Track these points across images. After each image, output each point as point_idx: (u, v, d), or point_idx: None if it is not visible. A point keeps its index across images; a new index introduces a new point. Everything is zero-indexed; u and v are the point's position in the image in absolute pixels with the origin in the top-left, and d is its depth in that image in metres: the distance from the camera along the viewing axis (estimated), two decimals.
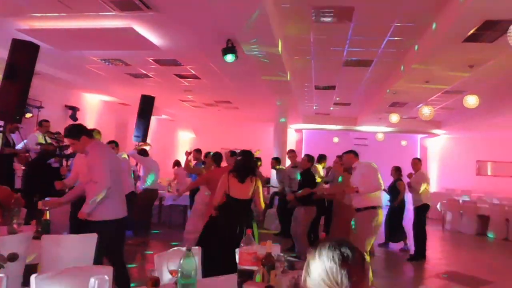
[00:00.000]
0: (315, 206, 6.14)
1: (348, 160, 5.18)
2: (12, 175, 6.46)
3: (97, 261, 3.13)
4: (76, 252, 2.88)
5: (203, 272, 2.70)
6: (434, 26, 5.58)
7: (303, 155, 6.99)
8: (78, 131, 3.56)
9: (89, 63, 8.34)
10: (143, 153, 7.39)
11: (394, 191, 7.71)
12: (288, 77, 7.92)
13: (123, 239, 3.79)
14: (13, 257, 1.97)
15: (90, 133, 3.65)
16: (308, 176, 6.23)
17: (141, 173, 7.29)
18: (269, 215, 9.12)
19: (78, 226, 4.05)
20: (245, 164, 4.02)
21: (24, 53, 5.40)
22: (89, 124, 11.00)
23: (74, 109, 10.10)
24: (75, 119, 9.87)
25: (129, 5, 5.14)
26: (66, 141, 3.66)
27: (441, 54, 6.22)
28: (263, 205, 4.09)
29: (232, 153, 5.35)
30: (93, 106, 11.37)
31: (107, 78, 9.68)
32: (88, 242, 2.97)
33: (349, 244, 1.23)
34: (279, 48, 6.16)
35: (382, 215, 4.83)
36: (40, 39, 6.25)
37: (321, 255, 1.20)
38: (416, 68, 6.92)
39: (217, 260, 3.38)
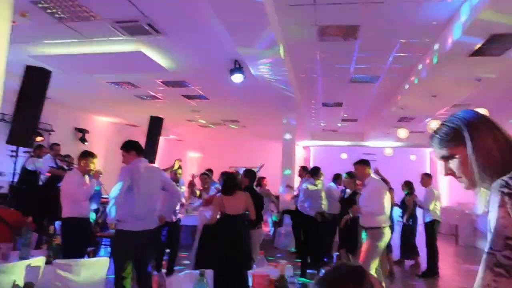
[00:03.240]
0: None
1: (360, 171, 4.87)
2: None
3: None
4: (87, 276, 2.87)
5: None
6: (436, 46, 5.61)
7: None
8: (130, 145, 4.24)
9: (99, 87, 8.48)
10: None
11: (404, 206, 7.60)
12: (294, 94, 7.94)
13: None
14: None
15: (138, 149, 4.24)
16: None
17: None
18: (278, 233, 9.03)
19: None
20: (231, 181, 4.67)
21: (37, 79, 5.51)
22: (98, 145, 11.14)
23: (83, 132, 10.22)
24: (84, 141, 9.98)
25: (138, 30, 5.26)
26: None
27: (448, 68, 6.22)
28: (254, 216, 4.68)
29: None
30: (102, 128, 11.50)
31: (116, 100, 9.81)
32: (99, 265, 2.97)
33: (358, 274, 1.18)
34: (286, 68, 6.21)
35: (388, 234, 4.67)
36: (51, 65, 6.36)
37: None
38: (422, 82, 6.92)
39: (229, 282, 3.36)
